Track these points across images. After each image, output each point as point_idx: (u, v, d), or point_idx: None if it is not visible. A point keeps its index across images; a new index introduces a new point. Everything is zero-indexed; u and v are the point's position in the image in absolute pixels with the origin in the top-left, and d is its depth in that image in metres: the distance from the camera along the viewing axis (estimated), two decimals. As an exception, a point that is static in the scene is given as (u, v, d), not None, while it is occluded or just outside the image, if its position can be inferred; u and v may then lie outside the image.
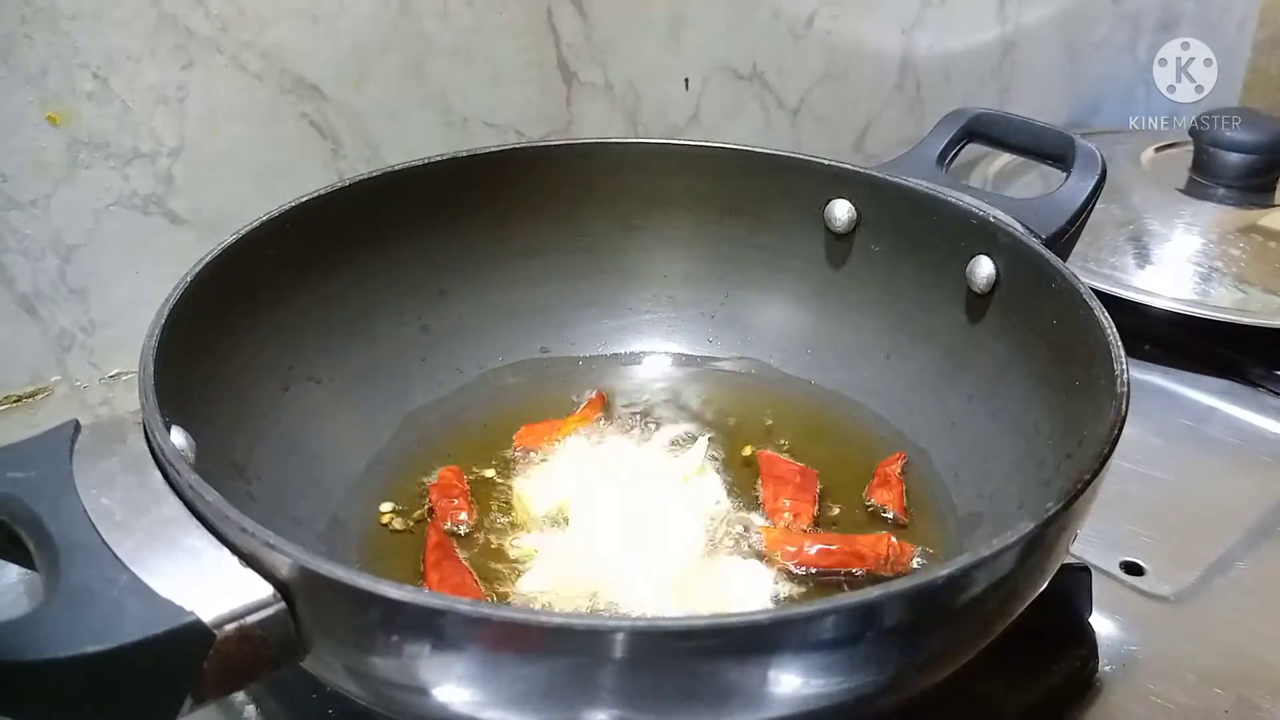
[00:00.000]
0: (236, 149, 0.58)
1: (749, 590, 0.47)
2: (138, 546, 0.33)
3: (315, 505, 0.50)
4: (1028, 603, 0.38)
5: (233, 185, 0.59)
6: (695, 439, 0.56)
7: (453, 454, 0.55)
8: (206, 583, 0.32)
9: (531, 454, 0.55)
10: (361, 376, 0.56)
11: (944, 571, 0.32)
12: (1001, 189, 0.87)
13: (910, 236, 0.57)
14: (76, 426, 0.37)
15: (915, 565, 0.49)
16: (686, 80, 0.78)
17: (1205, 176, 0.88)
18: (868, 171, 0.59)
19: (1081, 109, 1.16)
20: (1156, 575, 0.56)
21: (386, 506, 0.52)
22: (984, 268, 0.53)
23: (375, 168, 0.57)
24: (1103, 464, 0.38)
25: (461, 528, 0.50)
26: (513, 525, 0.51)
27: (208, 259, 0.46)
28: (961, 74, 0.98)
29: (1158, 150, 0.95)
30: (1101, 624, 0.52)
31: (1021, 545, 0.34)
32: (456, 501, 0.51)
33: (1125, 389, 0.41)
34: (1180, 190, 0.88)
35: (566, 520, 0.51)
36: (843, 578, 0.48)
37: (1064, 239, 0.54)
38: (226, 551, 0.33)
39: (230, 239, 0.48)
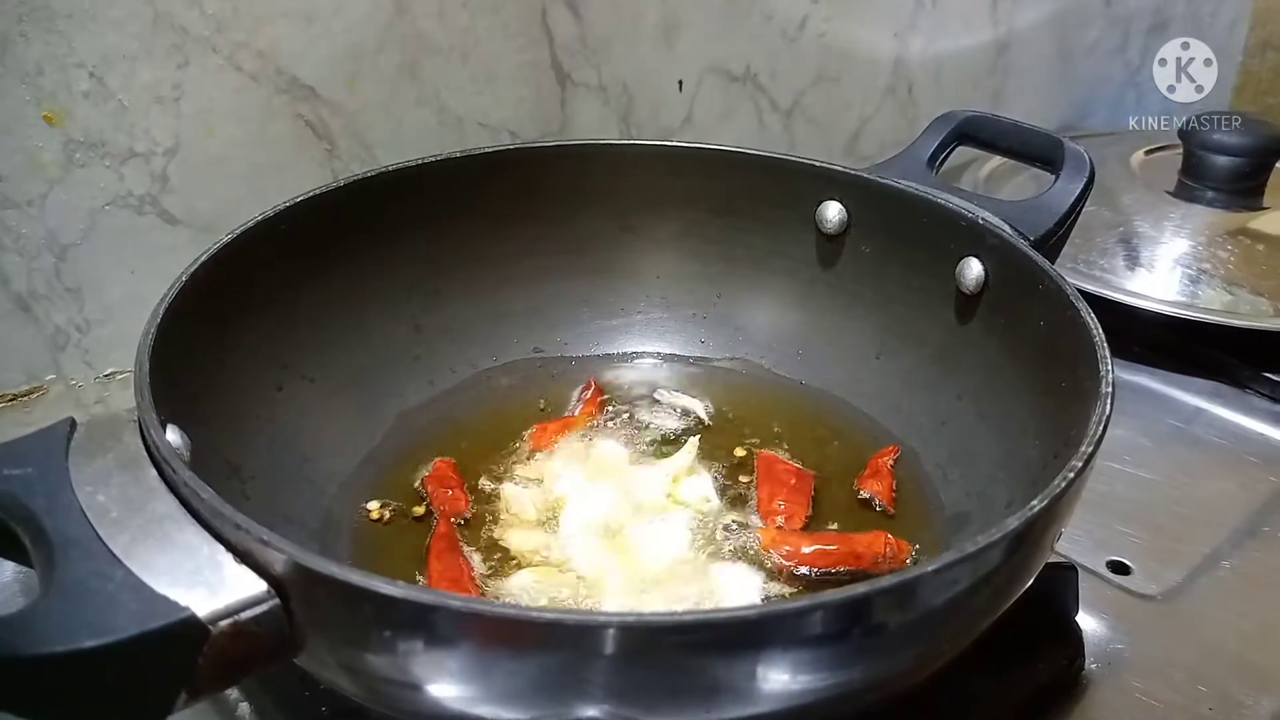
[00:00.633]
0: (231, 149, 0.59)
1: (738, 592, 0.47)
2: (133, 543, 0.33)
3: (308, 503, 0.50)
4: (1014, 599, 0.39)
5: (227, 185, 0.59)
6: (686, 439, 0.57)
7: (445, 453, 0.55)
8: (201, 579, 0.32)
9: (523, 453, 0.56)
10: (355, 376, 0.56)
11: (930, 567, 0.33)
12: (993, 192, 0.87)
13: (901, 238, 0.58)
14: (72, 424, 0.37)
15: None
16: (680, 82, 0.78)
17: (1194, 179, 0.88)
18: (859, 173, 0.59)
19: (1073, 112, 1.16)
20: (1143, 574, 0.56)
21: (374, 504, 0.52)
22: (973, 269, 0.54)
23: (370, 168, 0.58)
24: (1087, 463, 0.38)
25: (457, 519, 0.51)
26: (504, 524, 0.51)
27: (203, 258, 0.47)
28: (954, 77, 0.99)
29: (1148, 153, 0.96)
30: (1088, 623, 0.52)
31: (1006, 542, 0.35)
32: (452, 492, 0.52)
33: (1110, 390, 0.42)
34: (1170, 193, 0.88)
35: (557, 519, 0.51)
36: (840, 574, 0.48)
37: (1052, 241, 0.54)
38: (221, 548, 0.33)
39: (225, 239, 0.48)
